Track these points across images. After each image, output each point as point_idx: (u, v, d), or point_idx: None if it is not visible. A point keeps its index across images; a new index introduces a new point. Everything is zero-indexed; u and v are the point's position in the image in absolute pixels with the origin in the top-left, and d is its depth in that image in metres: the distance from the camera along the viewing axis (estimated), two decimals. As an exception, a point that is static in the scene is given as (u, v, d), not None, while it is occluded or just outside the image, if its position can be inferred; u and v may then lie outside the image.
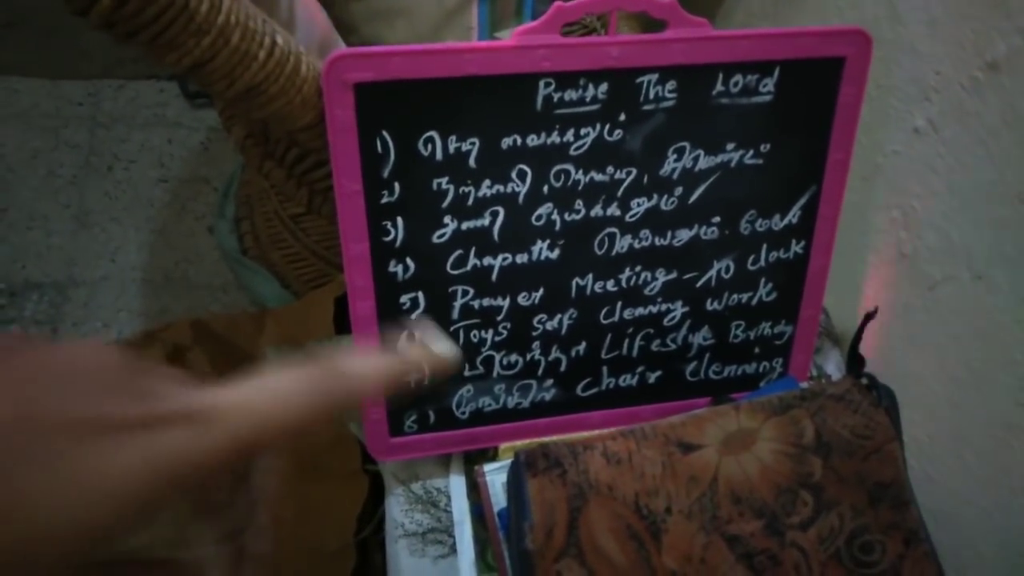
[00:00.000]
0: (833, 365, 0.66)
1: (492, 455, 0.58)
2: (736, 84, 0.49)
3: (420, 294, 0.51)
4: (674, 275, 0.55)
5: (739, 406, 0.47)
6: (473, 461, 0.58)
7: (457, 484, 0.57)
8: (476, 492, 0.55)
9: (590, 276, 0.54)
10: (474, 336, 0.54)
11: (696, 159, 0.51)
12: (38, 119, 1.17)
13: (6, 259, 1.08)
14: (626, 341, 0.56)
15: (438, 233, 0.50)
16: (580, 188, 0.50)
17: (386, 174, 0.47)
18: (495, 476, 0.53)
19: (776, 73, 0.49)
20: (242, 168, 1.11)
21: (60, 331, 1.07)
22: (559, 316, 0.54)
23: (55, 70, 1.19)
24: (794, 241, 0.55)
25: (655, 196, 0.52)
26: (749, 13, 0.85)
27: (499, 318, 0.54)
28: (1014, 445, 0.53)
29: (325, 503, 0.92)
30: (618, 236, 0.53)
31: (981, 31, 0.54)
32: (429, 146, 0.47)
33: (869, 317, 0.52)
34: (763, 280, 0.56)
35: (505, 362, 0.55)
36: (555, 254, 0.52)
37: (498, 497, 0.52)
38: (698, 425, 0.45)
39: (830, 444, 0.44)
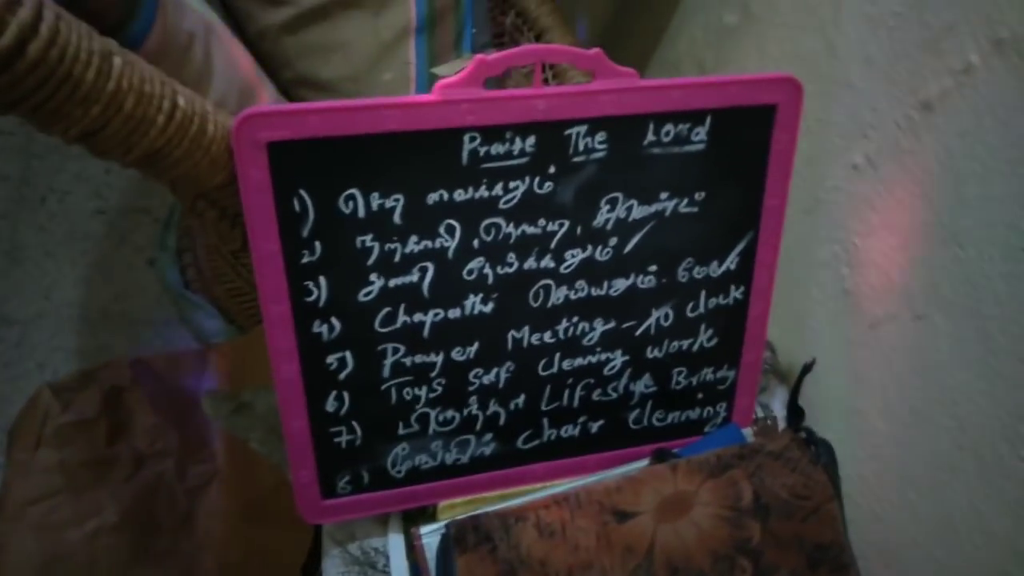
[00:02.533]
0: (779, 403, 0.65)
1: (431, 513, 0.56)
2: (668, 133, 0.48)
3: (348, 354, 0.49)
4: (612, 324, 0.53)
5: (676, 466, 0.45)
6: (412, 519, 0.56)
7: (396, 544, 0.55)
8: (413, 554, 0.53)
9: (526, 328, 0.52)
10: (407, 394, 0.52)
11: (630, 209, 0.50)
12: (-34, 150, 1.12)
13: (-67, 298, 1.04)
14: (566, 392, 0.55)
15: (364, 291, 0.48)
16: (512, 241, 0.49)
17: (306, 233, 0.45)
18: (432, 539, 0.51)
19: (708, 122, 0.48)
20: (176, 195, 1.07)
21: (-9, 373, 1.02)
22: (496, 370, 0.53)
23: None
24: (733, 287, 0.55)
25: (589, 247, 0.50)
26: (691, 44, 0.85)
27: (433, 374, 0.52)
28: (955, 487, 0.52)
29: (270, 549, 0.89)
30: (553, 288, 0.51)
31: (915, 71, 0.53)
32: (351, 203, 0.45)
33: (807, 369, 0.51)
34: (703, 327, 0.55)
35: (441, 418, 0.53)
36: (489, 308, 0.51)
37: (435, 561, 0.50)
38: (634, 489, 0.44)
39: (768, 506, 0.43)
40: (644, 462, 0.56)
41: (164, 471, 0.95)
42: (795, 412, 0.49)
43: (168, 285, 1.05)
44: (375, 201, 0.45)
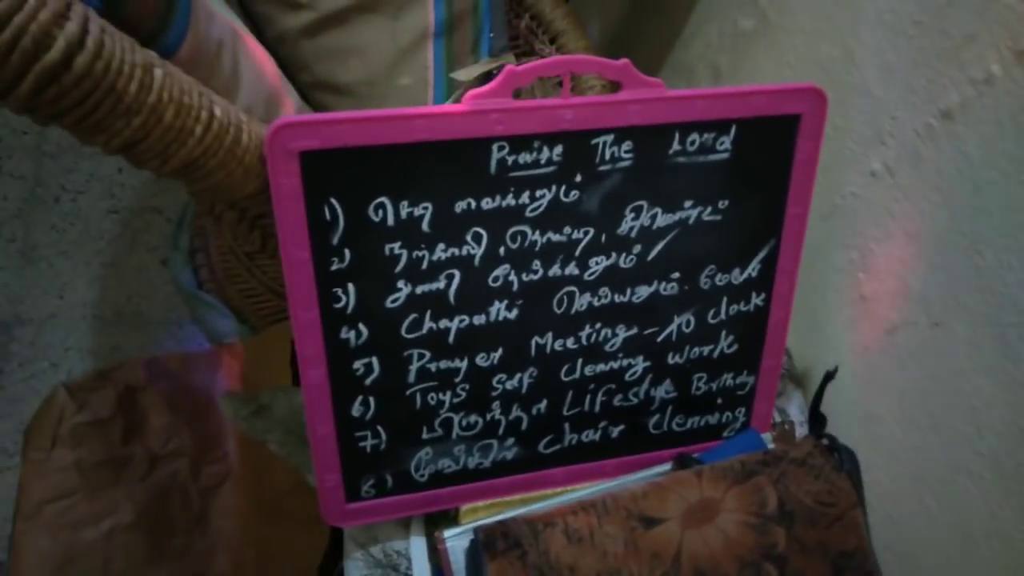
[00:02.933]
0: (796, 408, 0.66)
1: (453, 516, 0.56)
2: (693, 143, 0.48)
3: (374, 359, 0.50)
4: (634, 331, 0.54)
5: (701, 472, 0.46)
6: (434, 522, 0.57)
7: (418, 547, 0.56)
8: (437, 555, 0.53)
9: (549, 335, 0.53)
10: (432, 398, 0.52)
11: (654, 217, 0.50)
12: (-21, 150, 1.13)
13: (-53, 297, 1.04)
14: (588, 397, 0.55)
15: (392, 298, 0.48)
16: (537, 249, 0.49)
17: (335, 241, 0.46)
18: (456, 542, 0.52)
19: (732, 131, 0.49)
20: (193, 197, 1.07)
21: (5, 372, 1.02)
22: (519, 375, 0.53)
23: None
24: (754, 294, 0.55)
25: (613, 254, 0.51)
26: (706, 48, 0.85)
27: (457, 379, 0.52)
28: (973, 492, 0.53)
29: (286, 548, 0.90)
30: (577, 294, 0.52)
31: (934, 79, 0.54)
32: (380, 212, 0.46)
33: (830, 376, 0.52)
34: (724, 333, 0.56)
35: (464, 423, 0.54)
36: (513, 314, 0.51)
37: (459, 565, 0.51)
38: (660, 496, 0.44)
39: (793, 513, 0.43)
40: (664, 467, 0.57)
41: (178, 471, 0.96)
42: (817, 419, 0.49)
43: (181, 285, 1.05)
44: (404, 209, 0.46)
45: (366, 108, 0.63)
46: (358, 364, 0.50)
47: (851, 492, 0.43)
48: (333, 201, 0.45)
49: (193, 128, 0.38)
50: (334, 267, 0.46)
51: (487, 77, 0.76)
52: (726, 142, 0.49)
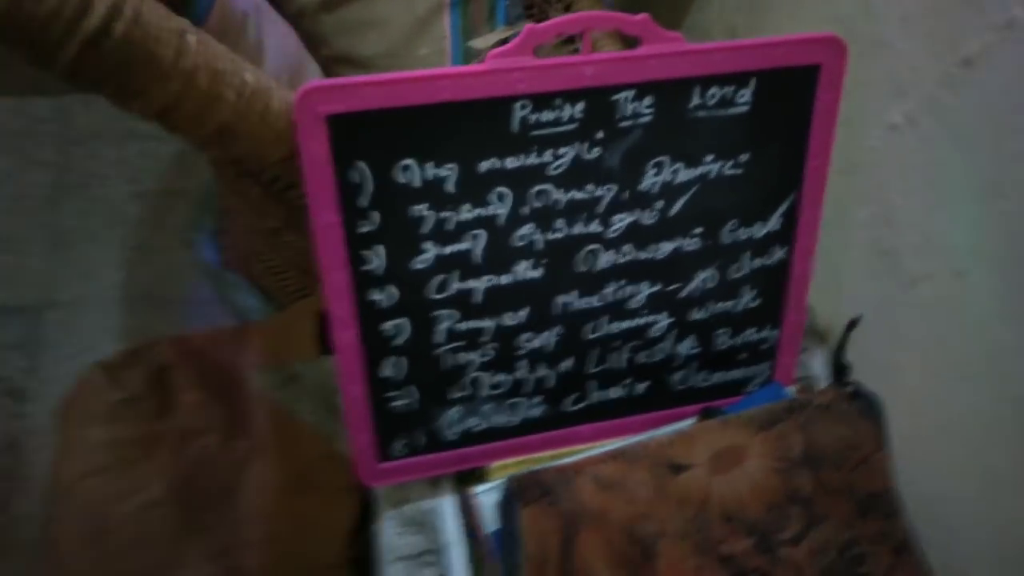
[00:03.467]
0: (818, 363, 0.66)
1: (480, 476, 0.58)
2: (713, 96, 0.49)
3: (404, 320, 0.51)
4: (658, 287, 0.55)
5: (727, 420, 0.47)
6: (463, 481, 0.58)
7: (448, 506, 0.57)
8: (468, 514, 0.55)
9: (574, 293, 0.53)
10: (460, 358, 0.53)
11: (676, 172, 0.51)
12: (6, 138, 1.15)
13: (-20, 284, 1.07)
14: (612, 355, 0.56)
15: (419, 259, 0.49)
16: (561, 207, 0.50)
17: (364, 204, 0.47)
18: (486, 497, 0.53)
19: (752, 84, 0.49)
20: (217, 173, 1.09)
21: (38, 354, 1.05)
22: (545, 334, 0.54)
23: (22, 87, 1.17)
24: (776, 247, 0.55)
25: (636, 211, 0.51)
26: (722, 8, 0.85)
27: (485, 339, 0.53)
28: (997, 440, 0.53)
29: (317, 519, 0.91)
30: (601, 252, 0.52)
31: (955, 28, 0.53)
32: (407, 173, 0.47)
33: (853, 325, 0.52)
34: (747, 287, 0.56)
35: (493, 382, 0.55)
36: (538, 273, 0.52)
37: (490, 519, 0.52)
38: (687, 443, 0.45)
39: (819, 457, 0.44)
40: (688, 422, 0.58)
41: (207, 446, 0.98)
42: (841, 367, 0.50)
43: (205, 265, 1.07)
44: (430, 170, 0.47)
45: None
46: (388, 325, 0.51)
47: (876, 435, 0.44)
48: (361, 164, 0.46)
49: (226, 94, 0.39)
50: (363, 230, 0.47)
51: (503, 44, 0.77)
52: (746, 95, 0.49)
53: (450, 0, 0.73)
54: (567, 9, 0.87)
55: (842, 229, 0.66)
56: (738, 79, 0.49)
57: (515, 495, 0.43)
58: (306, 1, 0.70)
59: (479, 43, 0.72)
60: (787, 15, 0.73)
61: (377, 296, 0.50)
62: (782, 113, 0.51)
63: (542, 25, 0.44)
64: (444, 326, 0.52)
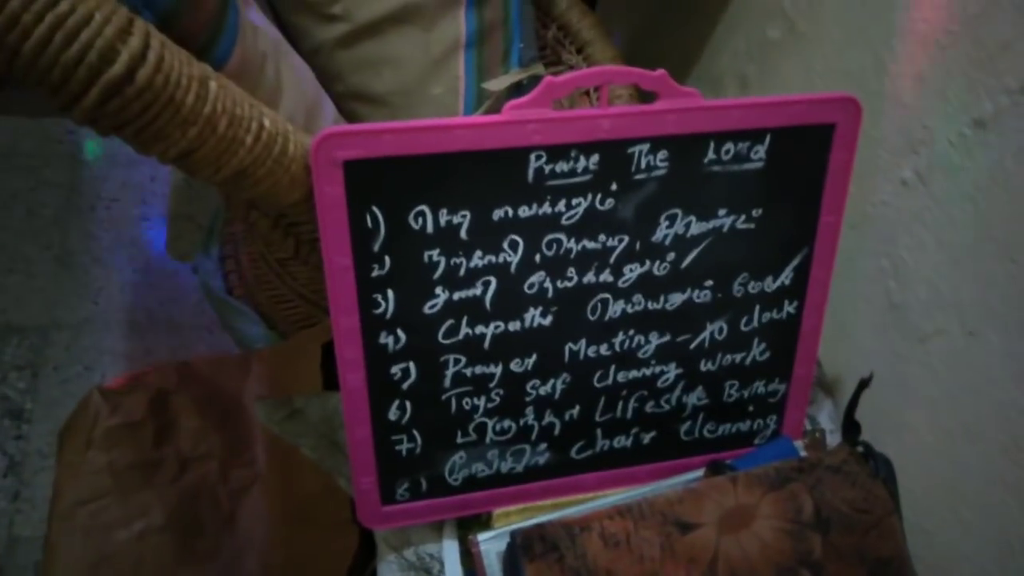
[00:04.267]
0: (826, 416, 0.66)
1: (485, 521, 0.57)
2: (727, 152, 0.49)
3: (411, 364, 0.51)
4: (667, 338, 0.54)
5: (736, 479, 0.46)
6: (467, 525, 0.57)
7: (451, 551, 0.56)
8: (470, 559, 0.54)
9: (583, 341, 0.53)
10: (466, 403, 0.53)
11: (688, 225, 0.51)
12: (18, 158, 1.16)
13: (-15, 302, 1.07)
14: (620, 403, 0.56)
15: (429, 304, 0.49)
16: (572, 256, 0.50)
17: (376, 248, 0.47)
18: (489, 545, 0.52)
19: (767, 140, 0.49)
20: (226, 205, 1.09)
21: (41, 376, 1.05)
22: (552, 381, 0.54)
23: (35, 109, 1.18)
24: (787, 302, 0.55)
25: (648, 262, 0.51)
26: (734, 58, 0.85)
27: (492, 385, 0.53)
28: (1010, 503, 0.53)
29: (316, 552, 0.90)
30: (611, 301, 0.52)
31: (968, 89, 0.54)
32: (420, 219, 0.47)
33: (865, 384, 0.52)
34: (756, 340, 0.56)
35: (498, 428, 0.55)
36: (548, 321, 0.52)
37: (493, 568, 0.51)
38: (695, 501, 0.44)
39: (829, 519, 0.43)
40: (695, 473, 0.57)
41: (208, 473, 0.97)
42: (851, 426, 0.49)
43: (211, 291, 1.07)
44: (443, 217, 0.47)
45: (398, 118, 0.64)
46: (396, 369, 0.51)
47: (887, 499, 0.44)
48: (375, 209, 0.46)
49: (244, 138, 0.39)
50: (374, 274, 0.47)
51: (517, 87, 0.77)
52: (760, 151, 0.49)
53: (465, 41, 0.73)
54: (579, 52, 0.88)
55: (851, 282, 0.66)
56: (753, 135, 0.49)
57: (521, 550, 0.42)
58: (322, 38, 0.71)
59: (493, 85, 0.73)
60: (799, 68, 0.73)
61: (386, 339, 0.50)
62: (796, 170, 0.51)
63: (560, 79, 0.45)
64: (451, 371, 0.52)
